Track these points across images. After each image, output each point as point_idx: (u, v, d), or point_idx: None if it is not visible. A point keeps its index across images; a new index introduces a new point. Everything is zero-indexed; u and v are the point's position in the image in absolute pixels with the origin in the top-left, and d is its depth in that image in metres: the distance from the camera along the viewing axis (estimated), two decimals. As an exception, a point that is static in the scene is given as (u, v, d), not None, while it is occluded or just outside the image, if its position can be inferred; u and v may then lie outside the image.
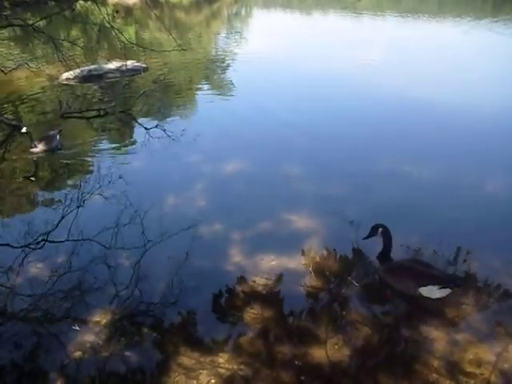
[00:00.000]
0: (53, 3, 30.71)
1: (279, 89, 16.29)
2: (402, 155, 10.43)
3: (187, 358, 5.12)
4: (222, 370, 4.96)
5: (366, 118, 13.17)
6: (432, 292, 5.94)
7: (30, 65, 15.15)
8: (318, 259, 6.81)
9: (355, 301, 6.05)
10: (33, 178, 9.50)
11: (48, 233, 7.47)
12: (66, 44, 14.45)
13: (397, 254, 6.75)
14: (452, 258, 6.82)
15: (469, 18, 37.40)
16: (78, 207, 8.35)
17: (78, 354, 5.18)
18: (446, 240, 7.15)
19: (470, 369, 4.98)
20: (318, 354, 5.19)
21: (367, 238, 6.61)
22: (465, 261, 6.74)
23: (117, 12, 26.05)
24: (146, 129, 10.83)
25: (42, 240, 7.28)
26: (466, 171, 9.65)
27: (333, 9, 46.19)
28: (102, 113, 12.08)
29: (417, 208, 8.26)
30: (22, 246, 7.07)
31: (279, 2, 60.32)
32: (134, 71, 17.55)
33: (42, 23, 12.70)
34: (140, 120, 12.41)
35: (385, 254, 6.60)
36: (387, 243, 6.57)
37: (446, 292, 5.92)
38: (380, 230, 6.56)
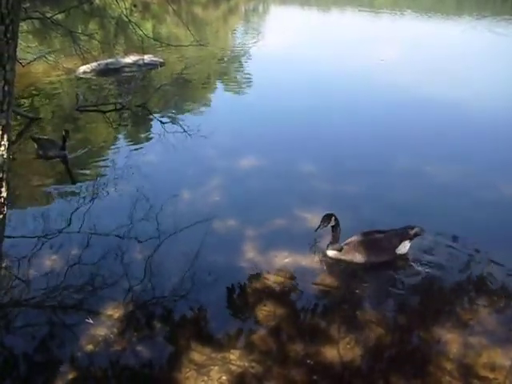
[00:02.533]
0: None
1: (296, 85, 16.22)
2: (417, 154, 10.39)
3: (198, 354, 5.11)
4: (233, 367, 4.94)
5: (382, 116, 13.13)
6: (405, 247, 6.73)
7: (48, 58, 15.18)
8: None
9: (369, 300, 6.01)
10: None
11: (63, 225, 7.49)
12: (83, 37, 14.53)
13: (411, 253, 6.75)
14: (468, 258, 6.75)
15: (487, 17, 36.99)
16: (93, 200, 8.38)
17: (90, 346, 5.19)
18: (461, 240, 7.10)
19: (483, 373, 4.92)
20: (330, 353, 5.16)
21: (321, 228, 6.61)
22: (480, 262, 6.68)
23: (135, 6, 26.08)
24: (161, 123, 10.85)
25: (57, 232, 7.30)
26: (483, 170, 9.59)
27: (350, 6, 45.88)
28: (118, 107, 12.11)
29: (432, 207, 8.20)
30: (36, 237, 7.09)
31: (297, -1, 60.10)
32: (151, 65, 17.57)
33: (60, 16, 12.76)
34: (156, 114, 12.43)
35: (337, 241, 6.68)
36: (339, 230, 6.65)
37: (409, 244, 6.74)
38: (333, 218, 6.56)
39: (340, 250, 6.67)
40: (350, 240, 6.76)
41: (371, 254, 6.66)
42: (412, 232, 6.76)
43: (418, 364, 5.09)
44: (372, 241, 6.74)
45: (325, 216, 6.59)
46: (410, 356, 5.25)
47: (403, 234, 6.76)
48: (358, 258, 6.64)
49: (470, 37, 27.40)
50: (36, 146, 10.01)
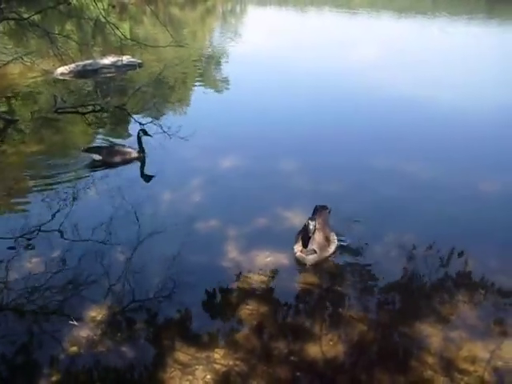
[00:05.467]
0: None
1: (274, 85, 16.30)
2: (397, 154, 10.49)
3: (183, 354, 5.13)
4: (217, 366, 4.96)
5: (362, 116, 13.23)
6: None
7: (25, 59, 14.99)
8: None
9: (350, 298, 6.07)
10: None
11: (42, 227, 7.43)
12: (60, 38, 14.36)
13: (392, 250, 6.83)
14: (447, 255, 6.86)
15: (463, 16, 37.51)
16: (73, 202, 8.32)
17: (73, 348, 5.17)
18: (441, 238, 7.21)
19: (464, 366, 5.01)
20: (314, 350, 5.21)
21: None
22: (459, 258, 6.79)
23: (113, 7, 25.89)
24: (140, 124, 10.76)
25: (36, 234, 7.23)
26: (462, 170, 9.72)
27: (327, 6, 46.10)
28: (96, 108, 11.99)
29: (412, 205, 8.32)
30: (15, 239, 7.03)
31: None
32: (129, 67, 17.48)
33: (36, 17, 12.60)
34: (135, 116, 12.35)
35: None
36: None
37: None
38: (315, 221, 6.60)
39: (315, 252, 6.62)
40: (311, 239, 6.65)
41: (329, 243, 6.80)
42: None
43: (400, 359, 5.17)
44: (322, 231, 6.80)
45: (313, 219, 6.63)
46: (392, 351, 5.32)
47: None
48: (330, 250, 6.73)
49: (444, 35, 27.74)
50: (99, 155, 9.84)
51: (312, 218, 6.58)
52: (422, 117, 13.17)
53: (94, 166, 9.73)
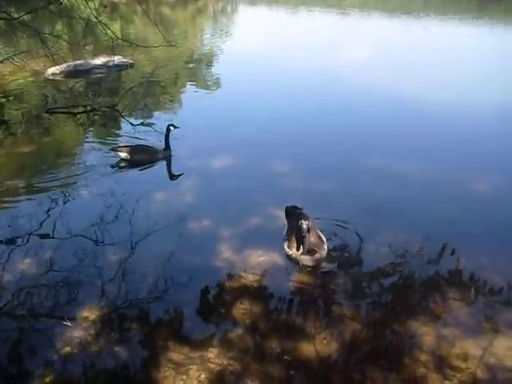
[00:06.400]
0: (37, -3, 30.33)
1: (264, 85, 16.37)
2: (389, 153, 10.55)
3: (177, 354, 5.12)
4: (211, 365, 4.97)
5: (353, 116, 13.30)
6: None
7: (15, 59, 14.90)
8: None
9: (343, 296, 6.10)
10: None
11: (33, 228, 7.40)
12: (51, 38, 14.29)
13: (384, 249, 6.87)
14: (439, 254, 6.90)
15: (454, 16, 37.71)
16: (65, 203, 8.30)
17: (67, 349, 5.15)
18: (432, 237, 7.25)
19: (456, 363, 5.05)
20: (307, 348, 5.23)
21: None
22: (451, 257, 6.84)
23: (105, 6, 25.80)
24: (132, 125, 10.74)
25: (28, 235, 7.20)
26: (454, 170, 9.80)
27: (318, 7, 46.24)
28: (88, 108, 11.94)
29: (404, 205, 8.38)
30: (7, 241, 7.00)
31: (265, -1, 60.32)
32: (121, 67, 17.47)
33: (27, 17, 12.53)
34: (127, 116, 12.31)
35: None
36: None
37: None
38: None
39: (315, 252, 6.59)
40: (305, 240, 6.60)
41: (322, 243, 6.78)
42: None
43: (393, 357, 5.19)
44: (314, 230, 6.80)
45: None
46: (385, 349, 5.34)
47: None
48: (325, 249, 6.71)
49: (435, 35, 27.90)
50: (127, 153, 9.87)
51: (305, 218, 6.54)
52: (414, 116, 13.29)
53: (121, 165, 9.80)
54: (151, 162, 9.97)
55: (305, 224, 6.40)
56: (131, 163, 9.82)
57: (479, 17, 39.13)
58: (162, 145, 10.16)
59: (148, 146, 10.27)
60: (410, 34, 30.04)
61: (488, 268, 6.56)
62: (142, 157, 9.96)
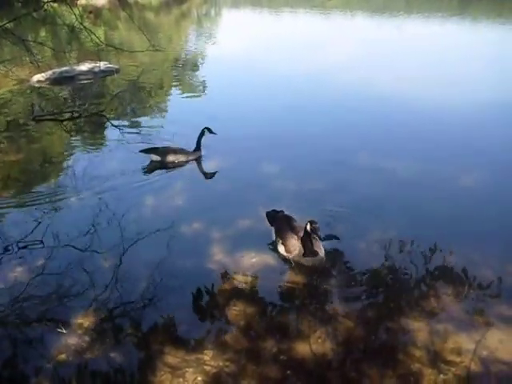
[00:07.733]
0: (19, 4, 30.22)
1: (250, 87, 16.51)
2: (379, 152, 10.62)
3: (172, 357, 5.13)
4: (207, 368, 4.97)
5: (342, 115, 13.36)
6: None
7: (0, 67, 14.85)
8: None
9: (336, 295, 6.13)
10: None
11: (24, 236, 7.35)
12: (36, 46, 14.25)
13: (376, 247, 6.91)
14: (430, 250, 6.95)
15: (436, 14, 38.02)
16: (54, 210, 8.27)
17: (61, 356, 5.13)
18: (423, 234, 7.31)
19: (450, 357, 5.10)
20: (302, 348, 5.25)
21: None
22: (442, 253, 6.89)
23: (90, 12, 25.74)
24: (120, 130, 10.73)
25: (19, 243, 7.16)
26: (442, 166, 9.87)
27: (302, 8, 46.39)
28: (75, 115, 11.90)
29: (393, 202, 8.43)
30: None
31: (248, 1, 60.42)
32: (107, 72, 17.41)
33: (10, 25, 12.49)
34: (114, 121, 12.28)
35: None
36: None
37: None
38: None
39: (317, 253, 6.59)
40: (314, 241, 6.65)
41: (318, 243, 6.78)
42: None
43: (387, 353, 5.22)
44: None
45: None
46: (379, 346, 5.38)
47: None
48: (322, 250, 6.73)
49: (419, 34, 28.12)
50: (157, 155, 9.92)
51: (312, 221, 6.44)
52: (402, 115, 13.39)
53: (153, 167, 9.83)
54: (181, 164, 10.01)
55: (312, 225, 6.39)
56: (162, 165, 9.86)
57: (461, 15, 39.49)
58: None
59: (177, 148, 10.25)
60: (393, 34, 30.23)
61: (479, 263, 6.62)
62: (172, 159, 9.99)
